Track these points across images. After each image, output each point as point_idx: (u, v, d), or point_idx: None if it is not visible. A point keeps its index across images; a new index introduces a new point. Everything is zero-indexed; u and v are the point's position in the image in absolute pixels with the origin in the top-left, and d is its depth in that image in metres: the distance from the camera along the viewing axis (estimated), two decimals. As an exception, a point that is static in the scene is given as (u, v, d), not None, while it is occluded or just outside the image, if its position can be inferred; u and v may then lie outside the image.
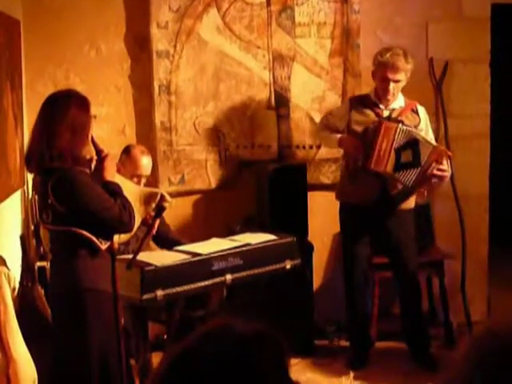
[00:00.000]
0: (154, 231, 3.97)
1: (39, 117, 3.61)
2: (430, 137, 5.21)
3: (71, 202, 3.50)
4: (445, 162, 4.99)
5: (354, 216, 5.22)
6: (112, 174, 3.68)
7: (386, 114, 5.11)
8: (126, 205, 3.55)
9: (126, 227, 3.58)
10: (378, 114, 5.11)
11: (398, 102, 5.15)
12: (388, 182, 5.07)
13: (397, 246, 5.22)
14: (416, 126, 5.11)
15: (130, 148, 4.90)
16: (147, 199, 3.87)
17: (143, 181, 4.78)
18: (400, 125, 4.95)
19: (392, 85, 5.02)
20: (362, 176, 5.07)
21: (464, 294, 5.82)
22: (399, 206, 5.17)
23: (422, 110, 5.23)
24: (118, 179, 3.78)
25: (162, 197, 3.87)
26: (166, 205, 3.87)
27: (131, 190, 3.81)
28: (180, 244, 4.81)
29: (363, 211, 5.13)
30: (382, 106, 5.13)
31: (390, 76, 5.00)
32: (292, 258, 4.61)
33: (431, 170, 4.94)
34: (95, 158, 3.66)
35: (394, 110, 5.13)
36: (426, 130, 5.18)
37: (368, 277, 5.42)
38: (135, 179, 4.69)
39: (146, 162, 4.84)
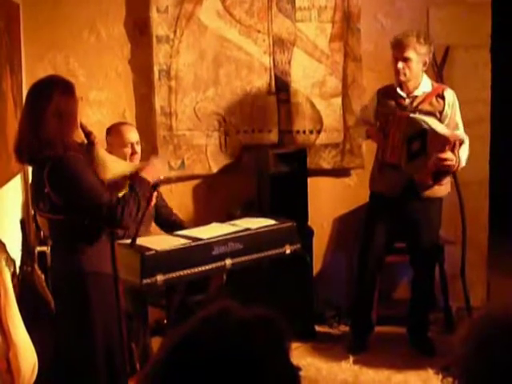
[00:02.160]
0: (153, 203, 3.96)
1: (25, 107, 3.59)
2: (456, 122, 5.09)
3: (66, 192, 3.49)
4: (448, 150, 4.91)
5: (381, 205, 5.21)
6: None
7: (407, 102, 5.05)
8: (119, 201, 3.52)
9: (115, 223, 3.53)
10: (399, 104, 5.06)
11: (421, 88, 5.05)
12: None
13: (416, 232, 5.20)
14: (441, 112, 5.02)
15: (109, 127, 4.90)
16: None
17: (138, 148, 4.76)
18: (412, 114, 4.89)
19: (401, 64, 4.93)
20: (389, 167, 5.06)
21: (464, 279, 5.83)
22: (426, 194, 5.10)
23: (449, 94, 5.09)
24: (112, 159, 3.78)
25: None
26: (161, 177, 3.87)
27: (126, 168, 3.80)
28: (182, 226, 4.82)
29: (390, 201, 5.12)
30: (403, 95, 5.05)
31: (398, 54, 4.93)
32: (292, 242, 4.62)
33: (433, 159, 4.88)
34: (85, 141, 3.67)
35: (416, 97, 5.04)
36: (451, 116, 5.06)
37: (381, 264, 5.41)
38: (129, 150, 4.69)
39: (127, 129, 4.83)
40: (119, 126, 4.87)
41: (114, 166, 3.72)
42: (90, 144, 3.64)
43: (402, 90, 5.05)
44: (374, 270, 5.34)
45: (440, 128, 4.96)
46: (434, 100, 5.05)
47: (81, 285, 3.59)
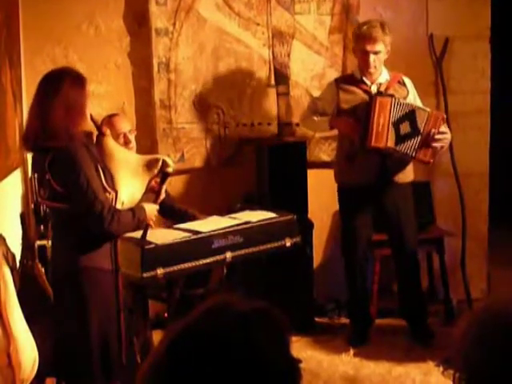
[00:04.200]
0: (162, 197, 3.94)
1: (34, 96, 3.60)
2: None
3: (66, 180, 3.49)
4: (443, 125, 4.99)
5: (354, 197, 5.20)
6: None
7: (374, 89, 5.09)
8: (114, 212, 3.53)
9: (103, 226, 3.51)
10: (366, 91, 5.09)
11: (383, 75, 5.13)
12: (387, 157, 5.05)
13: (396, 222, 5.20)
14: (405, 98, 5.09)
15: (100, 122, 4.87)
16: (149, 166, 3.84)
17: (131, 137, 4.73)
18: (394, 98, 4.93)
19: (372, 57, 4.99)
20: (360, 156, 5.05)
21: (464, 271, 5.83)
22: (398, 180, 5.15)
23: (408, 81, 5.21)
24: (121, 150, 3.79)
25: (164, 162, 3.84)
26: (170, 170, 3.85)
27: (133, 160, 3.81)
28: (187, 214, 4.81)
29: (363, 191, 5.12)
30: (368, 82, 5.10)
31: (369, 48, 4.98)
32: (292, 235, 4.61)
33: (432, 136, 4.93)
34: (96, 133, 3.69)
35: (380, 84, 5.11)
36: (414, 101, 5.14)
37: (368, 256, 5.41)
38: (122, 139, 4.68)
39: (118, 119, 4.81)
40: (110, 118, 4.85)
41: (124, 158, 3.73)
42: (101, 135, 3.66)
43: (365, 78, 5.11)
44: (361, 265, 5.34)
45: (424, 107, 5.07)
46: (397, 86, 5.14)
47: (77, 279, 3.58)
